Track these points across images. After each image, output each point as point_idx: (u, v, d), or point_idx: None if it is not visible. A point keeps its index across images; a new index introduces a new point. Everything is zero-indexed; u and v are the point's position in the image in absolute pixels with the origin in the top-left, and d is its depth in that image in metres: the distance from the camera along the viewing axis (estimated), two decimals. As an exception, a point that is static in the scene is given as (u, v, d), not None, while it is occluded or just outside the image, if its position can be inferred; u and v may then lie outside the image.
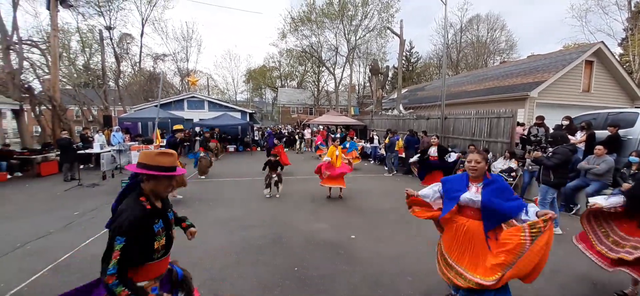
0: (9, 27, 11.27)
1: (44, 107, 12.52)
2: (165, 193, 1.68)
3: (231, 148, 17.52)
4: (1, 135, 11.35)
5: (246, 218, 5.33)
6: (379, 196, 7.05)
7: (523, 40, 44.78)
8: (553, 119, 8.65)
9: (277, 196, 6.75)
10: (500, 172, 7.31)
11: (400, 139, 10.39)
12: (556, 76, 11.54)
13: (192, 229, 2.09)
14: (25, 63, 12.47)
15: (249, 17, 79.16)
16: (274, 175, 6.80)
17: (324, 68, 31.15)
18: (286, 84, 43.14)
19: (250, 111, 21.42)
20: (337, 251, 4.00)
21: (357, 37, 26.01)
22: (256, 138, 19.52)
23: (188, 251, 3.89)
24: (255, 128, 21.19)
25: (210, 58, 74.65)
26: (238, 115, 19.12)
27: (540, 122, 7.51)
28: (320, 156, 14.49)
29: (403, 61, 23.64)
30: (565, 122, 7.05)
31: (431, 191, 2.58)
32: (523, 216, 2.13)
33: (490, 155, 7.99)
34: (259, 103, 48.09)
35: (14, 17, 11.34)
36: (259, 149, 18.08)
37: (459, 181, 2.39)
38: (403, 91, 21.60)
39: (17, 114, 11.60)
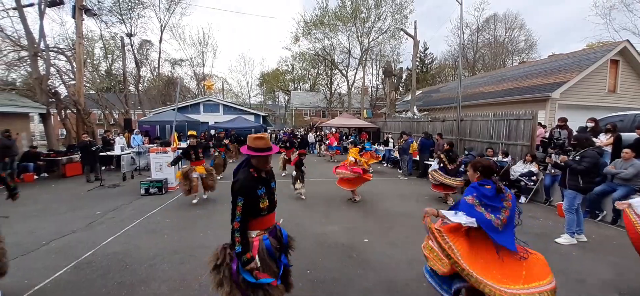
0: (36, 34, 11.90)
1: (69, 111, 13.13)
2: (262, 167, 2.22)
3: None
4: (29, 138, 11.97)
5: (259, 219, 5.36)
6: (393, 199, 6.94)
7: (543, 40, 43.20)
8: (576, 121, 8.27)
9: (302, 197, 6.86)
10: (520, 176, 7.05)
11: (414, 141, 10.22)
12: (579, 76, 11.05)
13: None
14: (51, 69, 13.09)
15: (262, 22, 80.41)
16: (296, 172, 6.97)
17: (337, 71, 31.15)
18: (299, 87, 43.40)
19: (264, 114, 21.67)
20: (350, 254, 3.95)
21: (370, 40, 25.87)
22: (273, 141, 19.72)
23: (201, 253, 3.96)
24: (268, 131, 21.42)
25: (225, 62, 76.30)
26: (252, 118, 19.41)
27: (563, 124, 7.20)
28: (331, 158, 14.47)
29: (417, 63, 23.35)
30: (590, 124, 6.72)
31: (466, 219, 2.23)
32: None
33: (509, 158, 7.73)
34: (272, 106, 48.58)
35: (41, 26, 11.95)
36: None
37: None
38: (417, 92, 21.28)
39: (44, 117, 12.21)
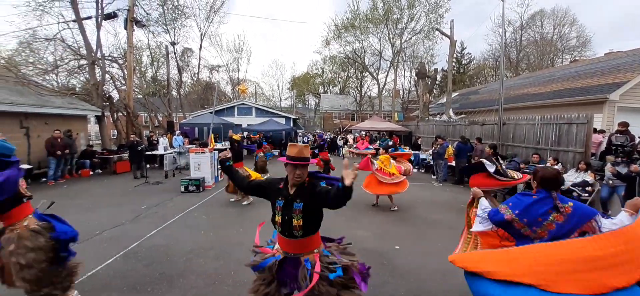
0: (93, 45, 13.24)
1: (120, 114, 14.41)
2: (291, 177, 1.96)
3: (275, 152, 18.19)
4: (86, 137, 13.32)
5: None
6: (426, 206, 6.66)
7: (598, 37, 38.77)
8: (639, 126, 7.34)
9: None
10: (572, 186, 6.39)
11: (450, 146, 9.73)
12: (644, 76, 9.80)
13: None
14: (106, 76, 14.48)
15: (294, 27, 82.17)
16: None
17: (367, 73, 30.79)
18: (328, 90, 43.59)
19: (294, 117, 22.05)
20: (380, 261, 3.85)
21: (403, 41, 25.22)
22: (299, 143, 19.99)
23: (234, 249, 4.10)
24: (299, 134, 21.75)
25: (258, 67, 79.08)
26: (282, 121, 19.83)
27: (624, 128, 6.44)
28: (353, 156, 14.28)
29: (453, 63, 22.25)
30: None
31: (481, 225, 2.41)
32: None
33: (559, 165, 7.06)
34: (302, 109, 49.32)
35: (98, 37, 13.26)
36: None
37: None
38: (453, 94, 20.30)
39: (99, 119, 13.54)
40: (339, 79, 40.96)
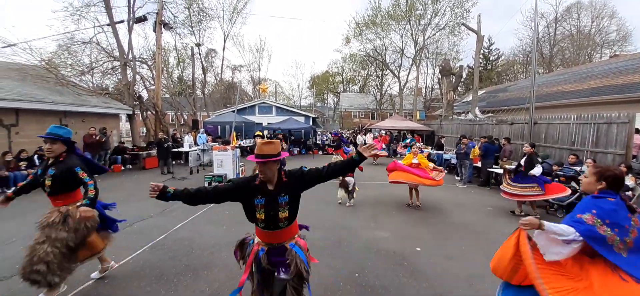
0: (125, 47, 13.98)
1: (149, 112, 15.15)
2: (261, 174, 1.98)
3: (295, 151, 18.35)
4: (118, 135, 14.12)
5: (307, 219, 5.43)
6: (450, 207, 6.44)
7: (643, 29, 35.36)
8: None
9: (349, 204, 6.44)
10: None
11: (476, 146, 9.33)
12: (699, 70, 8.89)
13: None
14: (137, 76, 15.27)
15: (314, 26, 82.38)
16: (351, 178, 6.42)
17: (388, 71, 30.25)
18: (348, 89, 43.31)
19: (314, 116, 22.12)
20: (401, 262, 3.77)
21: (426, 37, 24.51)
22: (318, 142, 20.04)
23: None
24: (318, 132, 21.80)
25: (278, 66, 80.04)
26: (302, 119, 19.95)
27: (673, 129, 5.88)
28: (376, 161, 14.03)
29: (480, 59, 21.34)
30: None
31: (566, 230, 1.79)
32: None
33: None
34: (321, 108, 49.39)
35: (129, 39, 14.02)
36: (320, 152, 18.50)
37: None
38: (480, 92, 19.48)
39: (130, 117, 14.31)
40: (359, 78, 40.57)
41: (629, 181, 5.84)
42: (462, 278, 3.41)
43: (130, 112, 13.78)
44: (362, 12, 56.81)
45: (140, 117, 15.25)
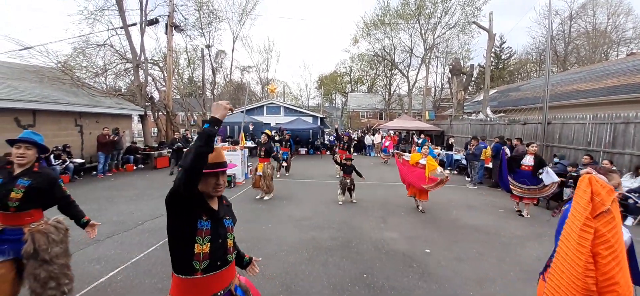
0: (137, 49, 14.27)
1: (160, 113, 15.43)
2: (211, 192, 1.44)
3: (302, 151, 18.38)
4: (131, 135, 14.43)
5: (316, 218, 5.46)
6: (460, 209, 6.33)
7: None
8: None
9: (353, 201, 6.59)
10: (628, 192, 5.74)
11: (488, 147, 9.15)
12: None
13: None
14: (148, 78, 15.57)
15: (322, 26, 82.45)
16: (347, 179, 6.60)
17: (397, 71, 30.00)
18: (356, 89, 43.16)
19: (321, 116, 22.12)
20: (410, 264, 3.73)
21: (436, 36, 24.20)
22: (326, 142, 20.02)
23: (263, 244, 4.21)
24: (325, 132, 21.79)
25: (287, 67, 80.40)
26: (310, 119, 19.98)
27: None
28: (386, 162, 13.93)
29: (492, 58, 20.91)
30: None
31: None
32: None
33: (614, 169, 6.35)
34: (329, 108, 49.35)
35: (141, 42, 14.32)
36: (328, 152, 18.49)
37: None
38: (491, 92, 19.10)
39: (142, 118, 14.60)
40: (367, 78, 40.36)
41: (649, 183, 5.64)
42: (473, 280, 3.35)
43: (142, 113, 14.06)
44: (371, 12, 56.54)
45: (152, 118, 15.55)
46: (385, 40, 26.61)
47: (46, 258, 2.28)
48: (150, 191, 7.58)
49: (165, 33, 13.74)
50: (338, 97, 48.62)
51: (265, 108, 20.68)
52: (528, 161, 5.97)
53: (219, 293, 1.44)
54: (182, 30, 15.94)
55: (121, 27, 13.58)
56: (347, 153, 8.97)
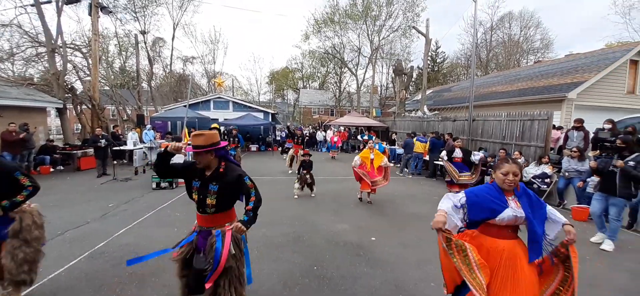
0: (53, 31, 12.24)
1: (85, 107, 13.48)
2: (198, 162, 2.18)
3: (253, 148, 17.90)
4: (46, 131, 12.34)
5: (268, 215, 5.37)
6: (404, 199, 6.88)
7: (560, 39, 41.77)
8: (593, 123, 8.01)
9: (312, 195, 6.76)
10: (533, 178, 6.88)
11: (426, 142, 10.22)
12: (598, 77, 10.71)
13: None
14: (68, 65, 13.46)
15: (273, 20, 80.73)
16: (307, 175, 6.75)
17: (346, 69, 31.04)
18: (308, 85, 43.46)
19: (273, 112, 21.76)
20: (358, 252, 3.94)
21: (381, 38, 25.67)
22: (278, 138, 19.79)
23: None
24: (277, 129, 21.50)
25: (235, 60, 76.94)
26: (261, 115, 19.51)
27: (579, 125, 7.01)
28: (333, 158, 14.38)
29: (428, 61, 22.98)
30: (608, 126, 6.49)
31: (449, 201, 2.09)
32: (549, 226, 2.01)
33: (522, 159, 7.55)
34: (280, 104, 48.78)
35: (58, 23, 12.28)
36: (279, 149, 18.31)
37: (492, 193, 1.98)
38: (428, 91, 21.00)
39: (61, 112, 12.58)
40: (318, 75, 40.95)
41: (547, 169, 6.83)
42: (413, 263, 3.67)
43: (61, 106, 12.10)
44: (321, 9, 57.15)
45: (74, 112, 13.50)
46: (335, 39, 27.31)
47: (28, 238, 2.49)
48: (73, 195, 6.61)
49: (89, 14, 11.98)
50: (290, 94, 48.36)
51: (211, 103, 19.52)
52: (458, 153, 6.87)
53: (201, 227, 2.24)
54: (111, 12, 14.12)
55: (32, 5, 11.50)
56: (304, 148, 9.12)
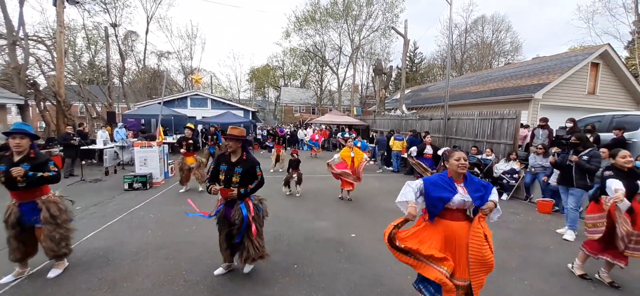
0: (15, 22, 11.36)
1: (49, 103, 12.62)
2: (230, 148, 3.03)
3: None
4: (6, 130, 11.43)
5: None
6: (382, 195, 7.03)
7: (529, 42, 44.49)
8: (557, 121, 8.58)
9: (298, 195, 6.77)
10: (502, 173, 7.26)
11: (403, 139, 10.49)
12: (561, 78, 11.45)
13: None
14: (31, 59, 12.55)
15: (253, 16, 79.31)
16: (294, 174, 6.84)
17: (327, 68, 31.15)
18: (289, 83, 43.16)
19: (253, 110, 21.44)
20: (338, 249, 3.98)
21: (361, 37, 25.99)
22: (258, 137, 19.52)
23: (187, 248, 3.91)
24: (258, 127, 21.22)
25: (214, 57, 74.91)
26: (241, 113, 19.18)
27: (544, 124, 7.45)
28: (315, 155, 14.43)
29: (407, 62, 23.60)
30: (569, 125, 6.97)
31: (412, 190, 2.38)
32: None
33: (492, 156, 7.94)
34: (261, 102, 48.09)
35: (20, 13, 11.44)
36: (259, 147, 18.08)
37: (443, 181, 2.30)
38: (406, 91, 21.53)
39: (22, 109, 11.69)
40: (300, 73, 40.80)
41: (515, 165, 7.23)
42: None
43: (22, 103, 11.26)
44: (302, 7, 56.88)
45: (37, 109, 12.60)
46: (316, 37, 27.32)
47: (59, 221, 3.07)
48: (36, 198, 6.17)
49: (54, 5, 11.21)
50: (271, 92, 47.78)
51: (188, 100, 18.94)
52: (428, 150, 7.22)
53: (226, 199, 3.03)
54: (77, 2, 13.28)
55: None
56: (286, 148, 9.10)
